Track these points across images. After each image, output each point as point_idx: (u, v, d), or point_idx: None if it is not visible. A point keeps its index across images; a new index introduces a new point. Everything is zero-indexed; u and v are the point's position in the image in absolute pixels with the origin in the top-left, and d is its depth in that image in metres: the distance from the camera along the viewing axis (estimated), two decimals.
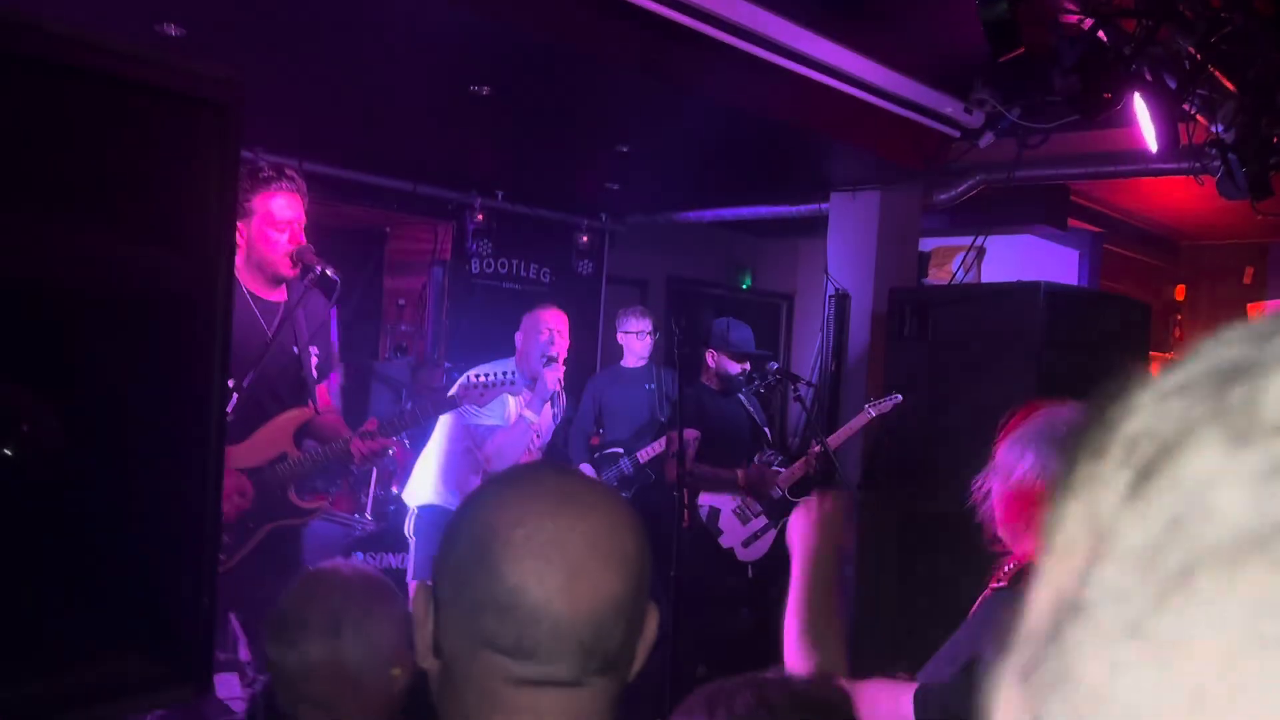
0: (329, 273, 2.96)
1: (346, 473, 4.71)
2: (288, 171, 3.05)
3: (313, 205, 5.55)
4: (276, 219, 2.97)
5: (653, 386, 5.18)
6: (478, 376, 3.49)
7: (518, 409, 4.10)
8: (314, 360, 3.25)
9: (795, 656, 1.66)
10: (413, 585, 3.88)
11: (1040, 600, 0.31)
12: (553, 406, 4.34)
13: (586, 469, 5.05)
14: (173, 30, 3.35)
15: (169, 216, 1.70)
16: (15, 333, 1.54)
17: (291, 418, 3.14)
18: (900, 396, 4.70)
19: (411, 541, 4.15)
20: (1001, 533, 1.73)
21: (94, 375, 1.65)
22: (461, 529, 0.90)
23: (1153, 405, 0.31)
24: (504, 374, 3.49)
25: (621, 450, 4.95)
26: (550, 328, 4.24)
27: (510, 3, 3.16)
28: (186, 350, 1.72)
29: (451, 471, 4.08)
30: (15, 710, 1.51)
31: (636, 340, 5.11)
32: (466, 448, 4.08)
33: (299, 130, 4.88)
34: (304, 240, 3.04)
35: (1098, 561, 0.29)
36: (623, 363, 5.31)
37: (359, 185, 5.72)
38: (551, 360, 4.07)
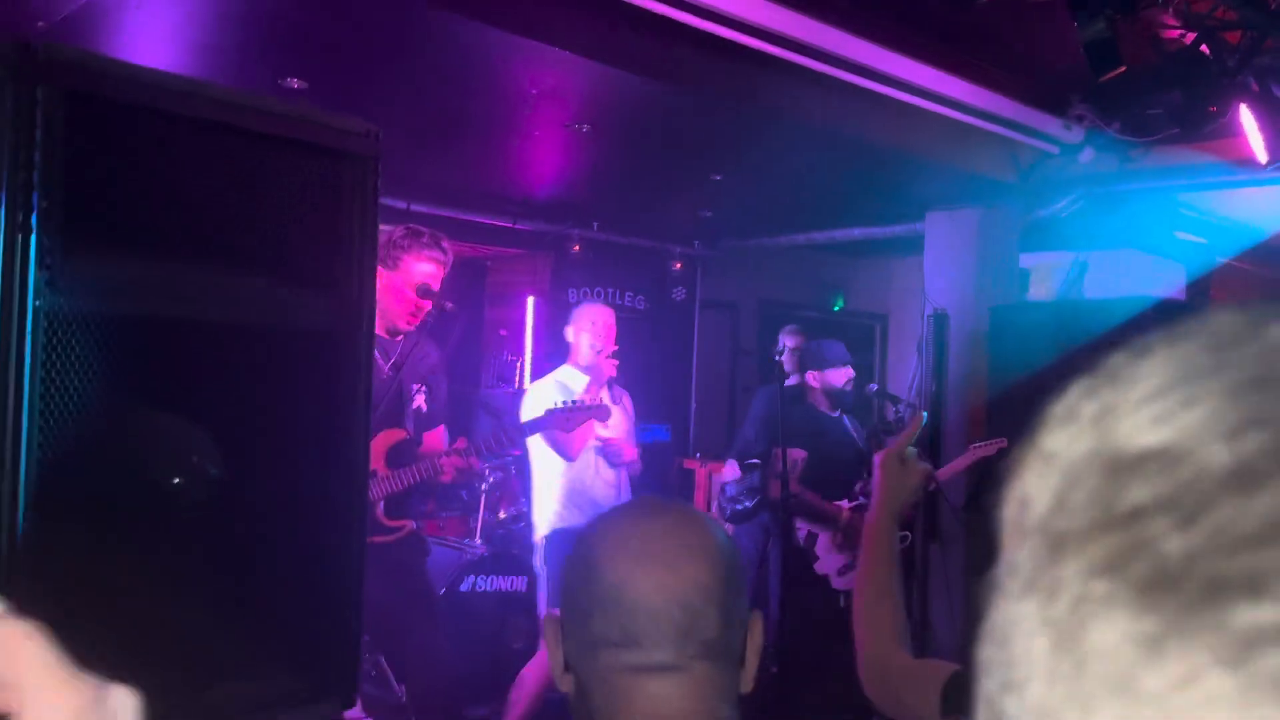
0: (448, 306, 3.13)
1: (441, 493, 4.86)
2: (443, 242, 3.27)
3: None
4: (416, 282, 3.19)
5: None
6: (565, 403, 3.63)
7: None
8: (422, 395, 3.42)
9: (858, 610, 1.70)
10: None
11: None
12: (624, 413, 4.37)
13: (731, 465, 5.13)
14: (295, 84, 3.55)
15: (316, 261, 1.84)
16: (181, 369, 1.69)
17: (384, 437, 3.33)
18: (1005, 441, 4.63)
19: (543, 570, 4.17)
20: None
21: (251, 408, 1.79)
22: (572, 559, 1.06)
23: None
24: (594, 401, 3.66)
25: (759, 461, 5.03)
26: (599, 319, 4.30)
27: (611, 46, 3.27)
28: (333, 384, 1.85)
29: (560, 490, 4.16)
30: None
31: (786, 359, 5.17)
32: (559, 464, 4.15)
33: (407, 172, 5.09)
34: (431, 306, 3.28)
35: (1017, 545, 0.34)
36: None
37: (462, 223, 5.91)
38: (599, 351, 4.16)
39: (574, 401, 3.67)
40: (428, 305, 3.27)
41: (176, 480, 1.71)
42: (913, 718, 1.54)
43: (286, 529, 1.84)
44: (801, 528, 4.59)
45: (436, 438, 3.59)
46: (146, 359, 1.61)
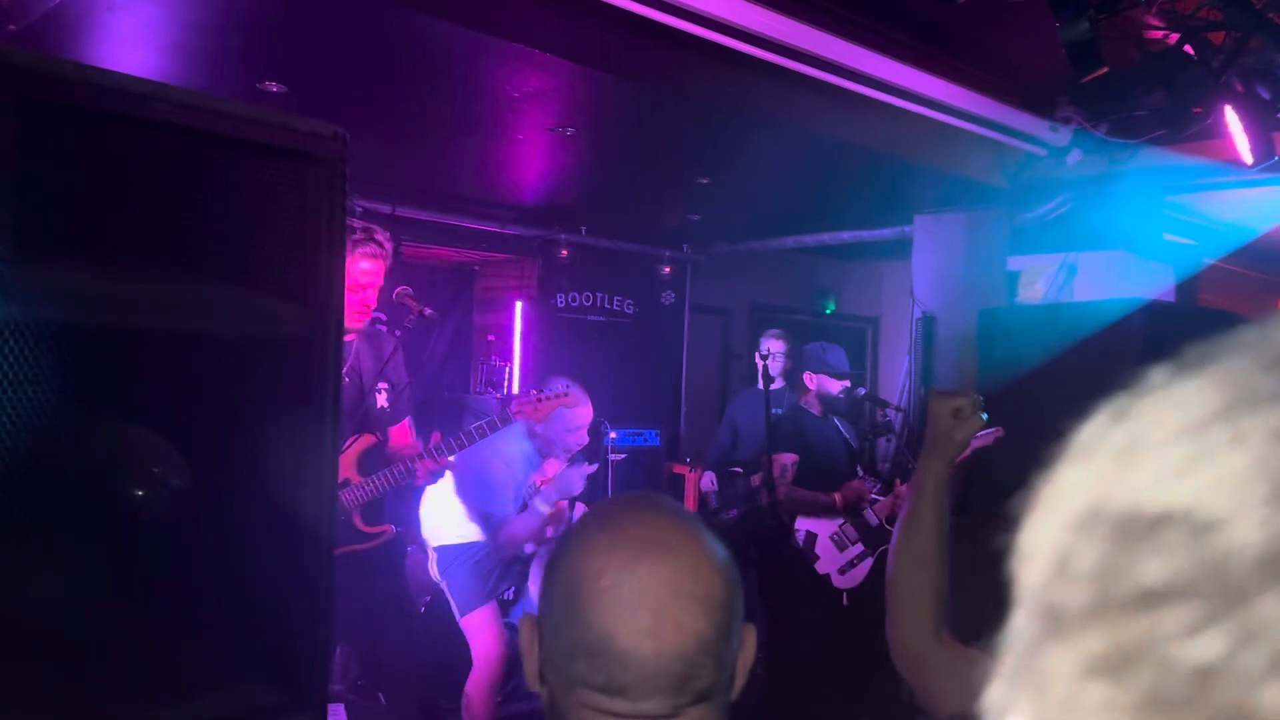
0: (426, 312, 3.10)
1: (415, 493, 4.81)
2: (377, 235, 3.22)
3: (405, 248, 5.74)
4: (354, 280, 3.14)
5: (779, 411, 5.21)
6: (533, 392, 3.58)
7: (527, 496, 3.90)
8: (383, 395, 3.40)
9: (892, 579, 1.53)
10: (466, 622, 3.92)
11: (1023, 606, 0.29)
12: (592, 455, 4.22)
13: (709, 477, 5.10)
14: (274, 87, 3.52)
15: (282, 266, 1.80)
16: (142, 379, 1.65)
17: (355, 445, 3.31)
18: (1001, 430, 4.61)
19: (444, 583, 3.98)
20: None
21: (216, 417, 1.75)
22: (556, 574, 0.94)
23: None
24: (565, 388, 3.57)
25: (741, 470, 5.01)
26: (582, 425, 3.97)
27: (595, 49, 3.25)
28: (301, 391, 1.82)
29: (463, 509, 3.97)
30: None
31: (773, 364, 5.15)
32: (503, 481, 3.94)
33: (390, 177, 5.05)
34: (375, 303, 3.23)
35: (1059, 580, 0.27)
36: (760, 386, 5.35)
37: (448, 228, 5.88)
38: (576, 459, 3.88)
39: (544, 390, 3.60)
40: (372, 302, 3.22)
41: (138, 493, 1.67)
42: (952, 707, 1.43)
43: (254, 540, 1.80)
44: (800, 529, 4.57)
45: (402, 433, 3.57)
46: (105, 370, 1.58)
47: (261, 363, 1.78)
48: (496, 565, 4.01)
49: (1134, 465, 0.26)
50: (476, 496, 3.86)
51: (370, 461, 3.32)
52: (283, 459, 1.84)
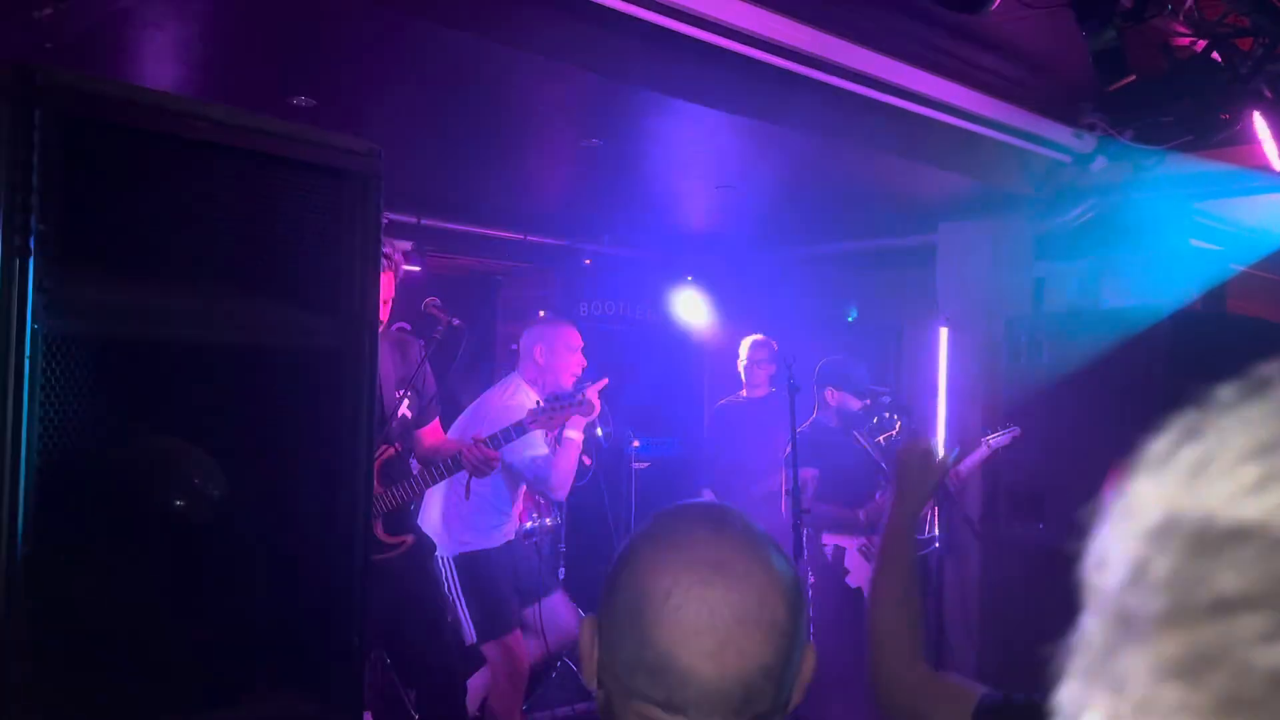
0: (455, 323, 3.13)
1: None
2: (385, 249, 3.21)
3: (430, 258, 5.79)
4: None
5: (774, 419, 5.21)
6: (547, 401, 3.56)
7: (549, 434, 3.91)
8: (405, 403, 3.44)
9: (872, 617, 1.63)
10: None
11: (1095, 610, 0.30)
12: (601, 425, 4.22)
13: (708, 495, 5.10)
14: (303, 102, 3.57)
15: (318, 280, 1.84)
16: (182, 391, 1.68)
17: (377, 456, 3.33)
18: (1018, 429, 4.61)
19: (459, 597, 3.93)
20: None
21: (254, 428, 1.78)
22: (621, 585, 0.94)
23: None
24: (576, 395, 3.57)
25: (741, 484, 5.00)
26: (579, 345, 4.09)
27: (620, 60, 3.27)
28: (337, 402, 1.85)
29: (472, 510, 3.95)
30: None
31: (759, 371, 5.17)
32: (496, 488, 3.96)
33: (417, 188, 5.10)
34: (386, 317, 3.26)
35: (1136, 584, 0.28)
36: (746, 393, 5.36)
37: (473, 237, 5.93)
38: (583, 387, 3.82)
39: (553, 398, 3.59)
40: (383, 316, 3.26)
41: (179, 502, 1.70)
42: None
43: (290, 549, 1.83)
44: (828, 544, 4.56)
45: (434, 432, 3.62)
46: (147, 381, 1.61)
47: (298, 374, 1.82)
48: (512, 593, 4.00)
49: (1207, 481, 0.27)
50: (513, 453, 3.79)
51: (391, 472, 3.36)
52: (319, 469, 1.87)
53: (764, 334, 5.46)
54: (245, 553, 1.79)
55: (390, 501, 3.33)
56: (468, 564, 3.97)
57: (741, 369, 5.36)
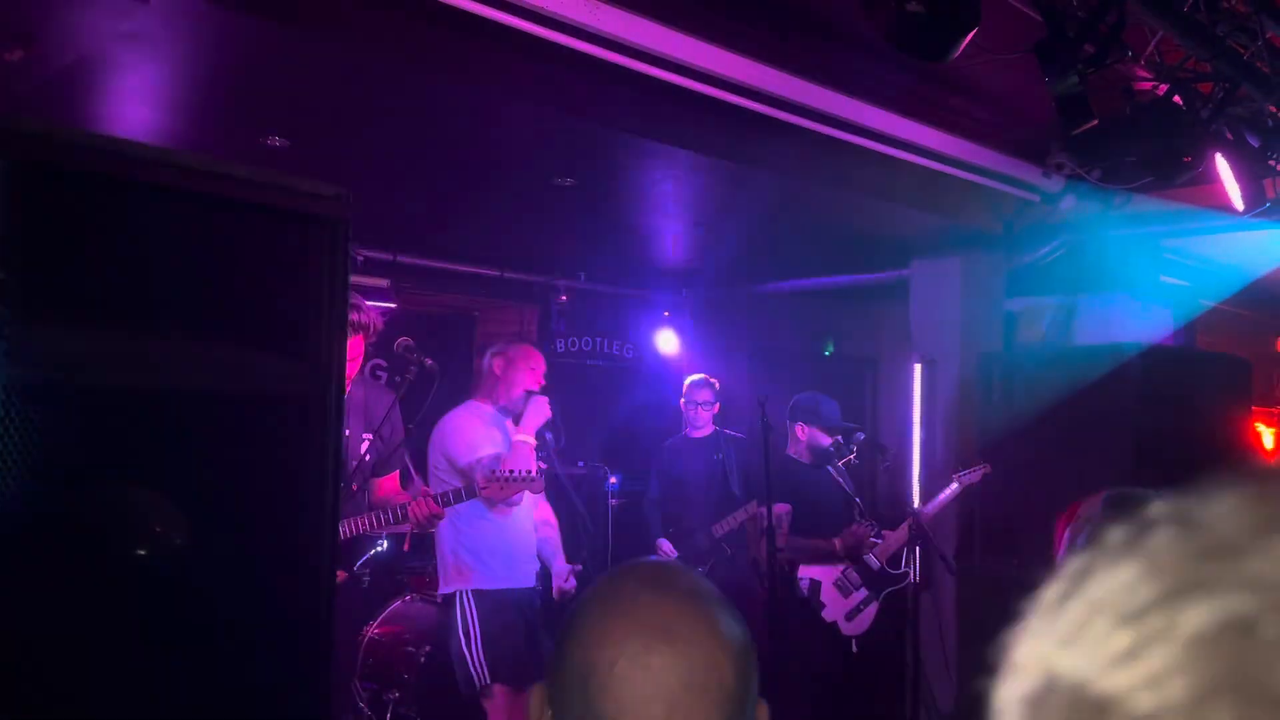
0: (428, 364, 3.13)
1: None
2: (360, 316, 3.20)
3: (405, 295, 5.77)
4: None
5: (720, 456, 5.20)
6: (502, 472, 3.54)
7: (509, 436, 3.90)
8: (365, 444, 3.43)
9: None
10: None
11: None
12: (552, 438, 4.08)
13: (665, 545, 5.05)
14: (277, 142, 3.57)
15: (284, 325, 1.83)
16: (146, 439, 1.66)
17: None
18: (988, 466, 4.63)
19: (474, 631, 3.79)
20: None
21: (218, 475, 1.77)
22: (566, 652, 0.94)
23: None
24: (527, 472, 3.56)
25: (696, 525, 4.99)
26: (540, 366, 4.08)
27: (593, 102, 3.30)
28: (302, 447, 1.83)
29: (486, 542, 3.89)
30: None
31: (701, 410, 5.18)
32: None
33: (392, 225, 5.10)
34: (352, 375, 3.27)
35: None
36: (688, 433, 5.36)
37: (449, 274, 5.93)
38: (532, 393, 3.91)
39: (511, 471, 3.56)
40: (359, 360, 3.29)
41: (141, 552, 1.68)
42: None
43: (256, 594, 1.81)
44: (803, 577, 4.54)
45: (391, 483, 3.61)
46: (110, 429, 1.59)
47: (264, 420, 1.80)
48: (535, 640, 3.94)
49: (1083, 644, 0.28)
50: (464, 451, 3.78)
51: (344, 507, 3.36)
52: (283, 516, 1.85)
53: (739, 368, 5.47)
54: (208, 601, 1.76)
55: (348, 529, 3.33)
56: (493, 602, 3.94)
57: (683, 406, 5.36)
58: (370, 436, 3.43)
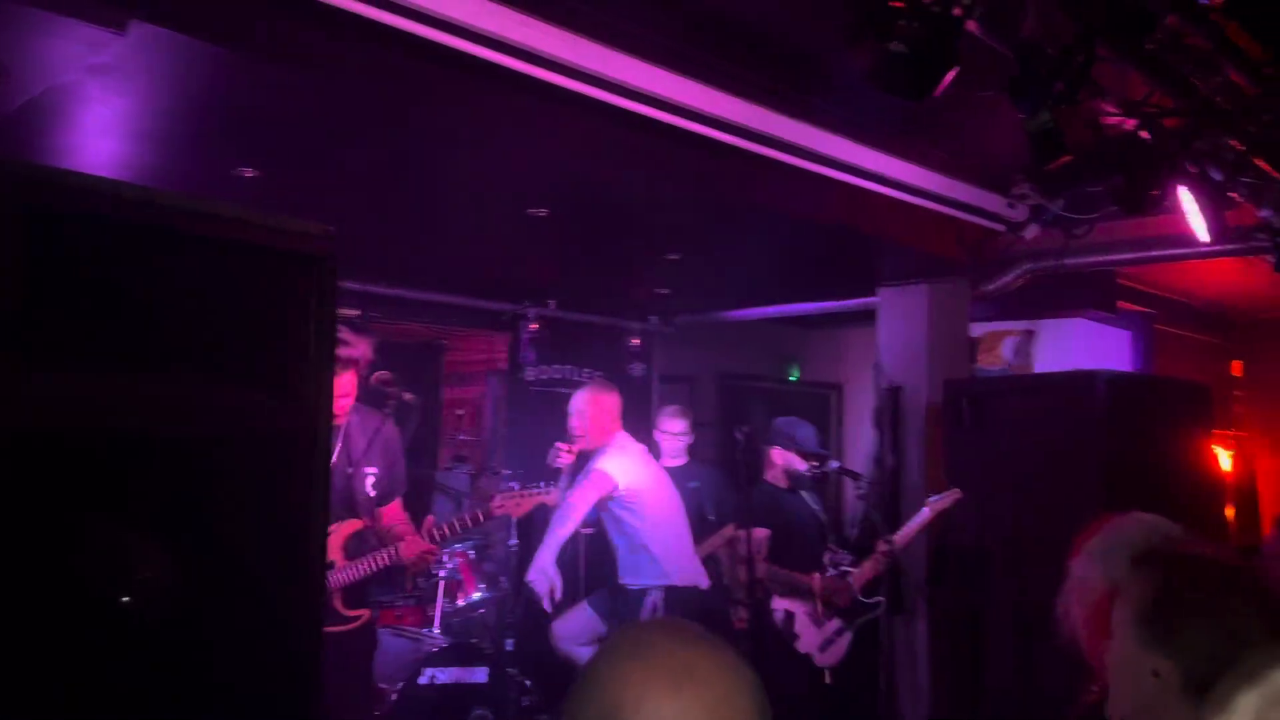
0: (406, 397, 3.13)
1: (403, 582, 4.80)
2: (352, 352, 3.29)
3: (373, 324, 5.73)
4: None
5: (696, 484, 5.20)
6: (516, 486, 3.78)
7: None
8: (370, 479, 3.43)
9: None
10: None
11: None
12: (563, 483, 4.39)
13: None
14: (248, 172, 3.54)
15: (272, 365, 1.81)
16: (131, 483, 1.63)
17: (341, 529, 3.34)
18: (960, 492, 4.67)
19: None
20: (1089, 654, 1.71)
21: (203, 516, 1.74)
22: (590, 694, 0.96)
23: None
24: (542, 484, 3.82)
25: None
26: (570, 409, 4.44)
27: (568, 138, 3.31)
28: (290, 488, 1.81)
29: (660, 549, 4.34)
30: None
31: (675, 440, 5.18)
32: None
33: (360, 253, 5.07)
34: (343, 412, 3.34)
35: None
36: (661, 462, 5.36)
37: (418, 303, 5.90)
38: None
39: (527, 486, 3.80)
40: (352, 396, 3.35)
41: (125, 599, 1.65)
42: None
43: (243, 638, 1.77)
44: (777, 608, 4.53)
45: (394, 512, 3.61)
46: (97, 474, 1.56)
47: (251, 461, 1.77)
48: None
49: None
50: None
51: (356, 545, 3.37)
52: (272, 555, 1.82)
53: (707, 394, 5.49)
54: (196, 647, 1.73)
55: (352, 574, 3.34)
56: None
57: (657, 437, 5.35)
58: (376, 470, 3.46)
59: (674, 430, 5.19)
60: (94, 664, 1.56)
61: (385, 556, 3.36)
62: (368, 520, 3.43)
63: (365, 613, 3.42)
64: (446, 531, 3.46)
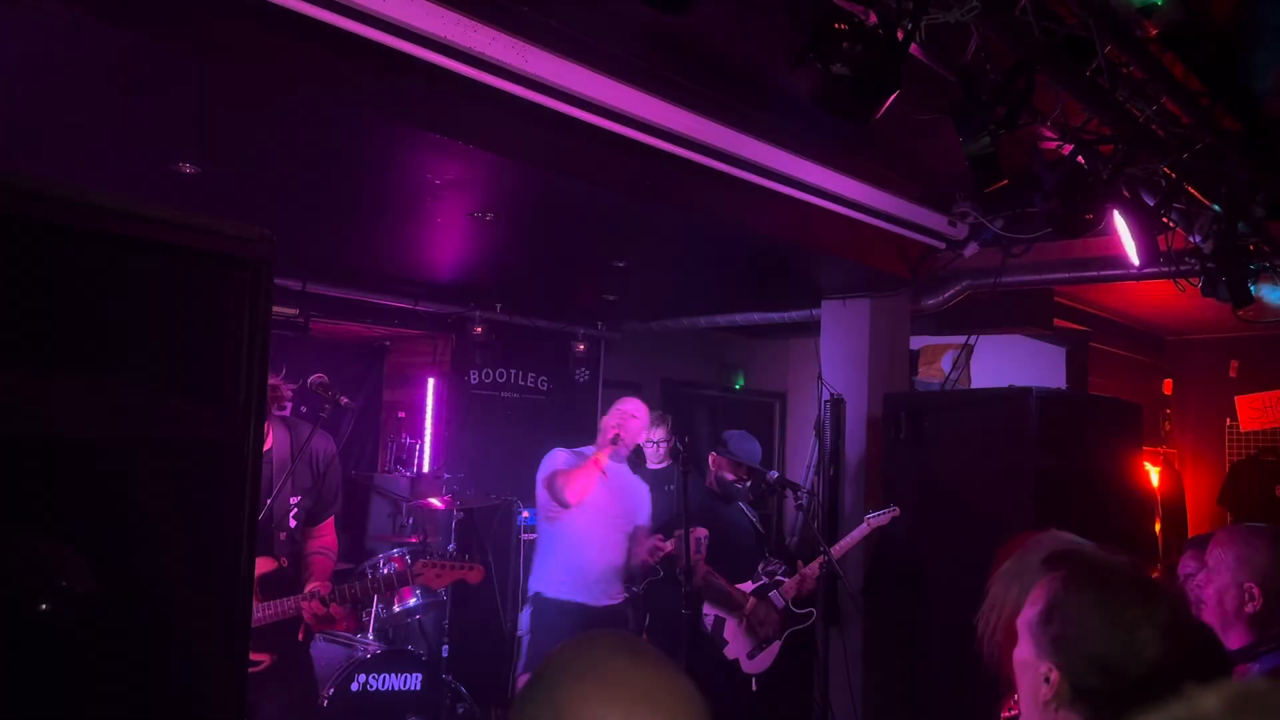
0: (343, 401, 3.05)
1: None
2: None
3: (314, 324, 5.65)
4: None
5: (672, 487, 5.23)
6: (435, 560, 3.65)
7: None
8: (294, 509, 3.25)
9: None
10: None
11: None
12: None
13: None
14: (187, 169, 3.47)
15: (202, 369, 1.77)
16: (52, 488, 1.59)
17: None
18: (897, 509, 4.74)
19: (526, 636, 4.35)
20: (1005, 670, 1.74)
21: (126, 523, 1.70)
22: (537, 714, 0.97)
23: None
24: (466, 557, 3.78)
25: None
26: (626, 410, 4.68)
27: (513, 143, 3.29)
28: (216, 496, 1.77)
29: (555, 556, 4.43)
30: None
31: (657, 446, 5.23)
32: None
33: (302, 252, 4.99)
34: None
35: None
36: (647, 466, 5.38)
37: (359, 304, 5.82)
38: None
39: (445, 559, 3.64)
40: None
41: (43, 606, 1.60)
42: None
43: (163, 652, 1.74)
44: (708, 614, 4.56)
45: (325, 531, 3.42)
46: (15, 479, 1.52)
47: (177, 465, 1.74)
48: None
49: None
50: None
51: (269, 587, 3.16)
52: (198, 561, 1.78)
53: (653, 400, 5.52)
54: (116, 658, 1.69)
55: (260, 616, 3.08)
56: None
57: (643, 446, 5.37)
58: (299, 498, 3.24)
59: (655, 438, 5.26)
60: (9, 671, 1.52)
61: (289, 606, 3.14)
62: (284, 560, 3.21)
63: (265, 658, 3.15)
64: (361, 591, 3.28)
